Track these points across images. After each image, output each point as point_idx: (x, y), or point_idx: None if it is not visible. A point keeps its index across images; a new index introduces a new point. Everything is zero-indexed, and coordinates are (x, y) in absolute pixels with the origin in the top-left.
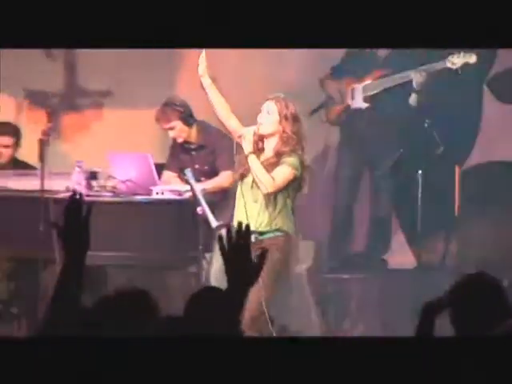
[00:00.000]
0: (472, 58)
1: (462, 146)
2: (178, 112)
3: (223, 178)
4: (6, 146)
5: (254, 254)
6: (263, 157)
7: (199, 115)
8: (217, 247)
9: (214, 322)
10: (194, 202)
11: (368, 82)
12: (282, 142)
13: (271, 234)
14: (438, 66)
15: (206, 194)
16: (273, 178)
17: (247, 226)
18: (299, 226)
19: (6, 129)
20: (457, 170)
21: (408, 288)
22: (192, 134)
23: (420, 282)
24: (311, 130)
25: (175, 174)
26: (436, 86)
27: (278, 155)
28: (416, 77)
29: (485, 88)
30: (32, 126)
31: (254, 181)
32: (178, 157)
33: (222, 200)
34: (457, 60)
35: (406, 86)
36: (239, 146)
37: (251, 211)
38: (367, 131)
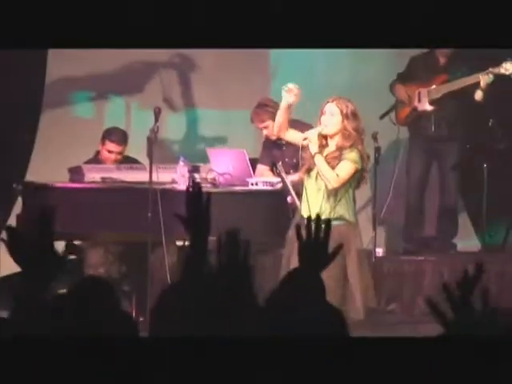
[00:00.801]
0: None
1: None
2: (270, 113)
3: None
4: (118, 153)
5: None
6: (326, 151)
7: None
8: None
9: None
10: (284, 192)
11: (433, 86)
12: (343, 138)
13: (333, 222)
14: (492, 71)
15: (295, 184)
16: (337, 175)
17: (327, 220)
18: (377, 214)
19: (118, 137)
20: None
21: (473, 268)
22: None
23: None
24: (383, 129)
25: (268, 168)
26: (497, 87)
27: (340, 149)
28: (482, 78)
29: None
30: (140, 125)
31: (317, 173)
32: (270, 152)
33: None
34: (510, 66)
35: (467, 90)
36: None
37: (315, 200)
38: (435, 131)
